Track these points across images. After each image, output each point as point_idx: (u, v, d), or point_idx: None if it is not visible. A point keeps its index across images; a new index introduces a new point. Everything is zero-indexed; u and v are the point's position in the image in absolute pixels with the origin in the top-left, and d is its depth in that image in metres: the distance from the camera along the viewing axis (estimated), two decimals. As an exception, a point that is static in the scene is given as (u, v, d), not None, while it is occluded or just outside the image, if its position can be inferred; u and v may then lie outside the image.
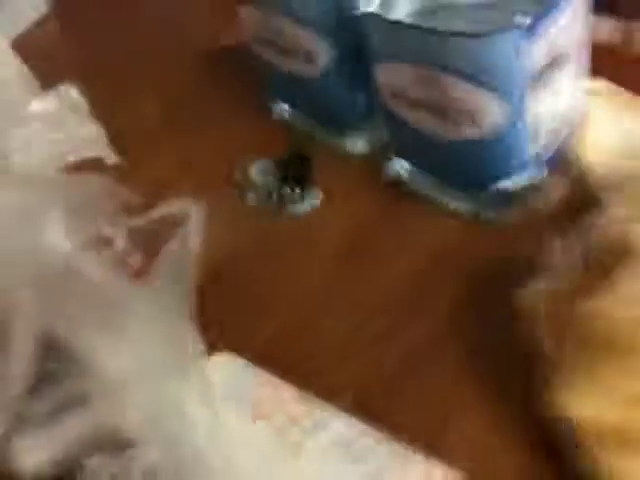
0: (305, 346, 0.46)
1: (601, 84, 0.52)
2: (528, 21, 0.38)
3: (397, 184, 0.53)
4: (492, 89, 0.40)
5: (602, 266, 0.38)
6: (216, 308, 0.43)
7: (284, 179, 0.56)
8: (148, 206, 0.47)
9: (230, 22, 0.60)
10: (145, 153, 0.61)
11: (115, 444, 0.35)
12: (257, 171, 0.58)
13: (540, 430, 0.37)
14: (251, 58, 0.58)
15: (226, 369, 0.43)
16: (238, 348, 0.44)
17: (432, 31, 0.40)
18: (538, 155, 0.46)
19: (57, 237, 0.39)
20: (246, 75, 0.62)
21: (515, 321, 0.40)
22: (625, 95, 0.51)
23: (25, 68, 0.56)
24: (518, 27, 0.38)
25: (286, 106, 0.60)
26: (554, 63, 0.42)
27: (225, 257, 0.51)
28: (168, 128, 0.64)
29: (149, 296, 0.37)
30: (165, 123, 0.64)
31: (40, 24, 0.79)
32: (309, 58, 0.51)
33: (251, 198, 0.56)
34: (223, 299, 0.48)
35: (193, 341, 0.36)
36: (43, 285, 0.37)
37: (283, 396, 0.41)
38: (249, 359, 0.44)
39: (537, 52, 0.40)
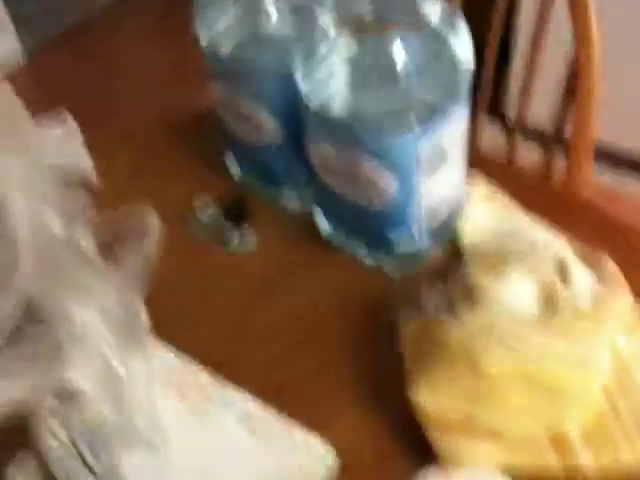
0: (224, 353, 0.57)
1: (481, 183, 0.66)
2: (421, 126, 0.52)
3: (320, 237, 0.66)
4: (393, 172, 0.54)
5: (454, 306, 0.52)
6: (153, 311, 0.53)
7: (228, 222, 0.68)
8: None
9: (201, 90, 0.73)
10: (111, 194, 0.71)
11: (68, 394, 0.45)
12: (206, 214, 0.70)
13: (407, 422, 0.49)
14: (215, 123, 0.71)
15: (159, 355, 0.54)
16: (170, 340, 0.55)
17: (355, 127, 0.53)
18: (425, 226, 0.60)
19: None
20: (209, 137, 0.75)
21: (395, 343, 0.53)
22: (501, 196, 0.66)
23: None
24: (414, 130, 0.52)
25: (238, 165, 0.73)
26: (441, 156, 0.57)
27: (170, 275, 0.62)
28: (135, 174, 0.76)
29: (114, 273, 0.48)
30: (133, 171, 0.76)
31: (14, 76, 0.87)
32: (261, 130, 0.64)
33: (198, 235, 0.68)
34: (158, 305, 0.58)
35: (143, 320, 0.47)
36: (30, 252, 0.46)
37: (201, 380, 0.53)
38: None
39: (428, 147, 0.54)
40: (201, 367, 0.54)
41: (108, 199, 0.68)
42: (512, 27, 1.49)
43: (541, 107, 0.96)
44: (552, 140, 0.90)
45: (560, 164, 0.87)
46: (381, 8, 0.52)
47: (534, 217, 0.64)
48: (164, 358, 0.54)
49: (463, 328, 0.46)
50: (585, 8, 0.77)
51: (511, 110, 1.69)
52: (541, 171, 0.91)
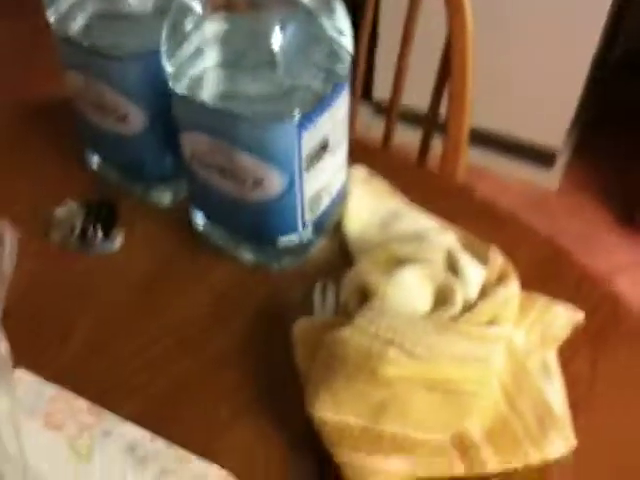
0: (101, 363, 0.52)
1: (360, 169, 0.64)
2: (301, 115, 0.49)
3: (195, 234, 0.61)
4: (273, 164, 0.50)
5: (347, 308, 0.49)
6: (18, 331, 0.48)
7: (88, 221, 0.62)
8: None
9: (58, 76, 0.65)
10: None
11: None
12: (63, 212, 0.63)
13: (303, 431, 0.46)
14: (72, 113, 0.64)
15: (22, 385, 0.48)
16: (36, 367, 0.49)
17: (228, 114, 0.49)
18: (310, 219, 0.57)
19: None
20: (67, 126, 0.67)
21: (290, 349, 0.50)
22: (379, 180, 0.64)
23: None
24: (294, 119, 0.49)
25: (98, 158, 0.66)
26: (323, 147, 0.53)
27: (30, 286, 0.55)
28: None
29: None
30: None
31: None
32: (124, 120, 0.58)
33: (55, 236, 0.61)
34: (25, 324, 0.52)
35: (2, 349, 0.41)
36: None
37: (75, 408, 0.47)
38: (50, 376, 0.49)
39: (309, 139, 0.51)
40: (75, 394, 0.48)
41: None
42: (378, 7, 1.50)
43: (414, 89, 0.96)
44: (428, 122, 0.90)
45: (437, 147, 0.87)
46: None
47: (413, 202, 0.63)
48: (31, 386, 0.48)
49: (358, 334, 0.43)
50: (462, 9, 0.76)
51: (381, 93, 1.70)
52: (418, 154, 0.91)
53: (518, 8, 1.45)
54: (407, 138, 1.14)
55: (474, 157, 1.67)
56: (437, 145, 0.87)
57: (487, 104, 1.58)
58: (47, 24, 0.58)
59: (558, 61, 1.49)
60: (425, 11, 0.86)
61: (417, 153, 0.91)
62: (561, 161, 1.68)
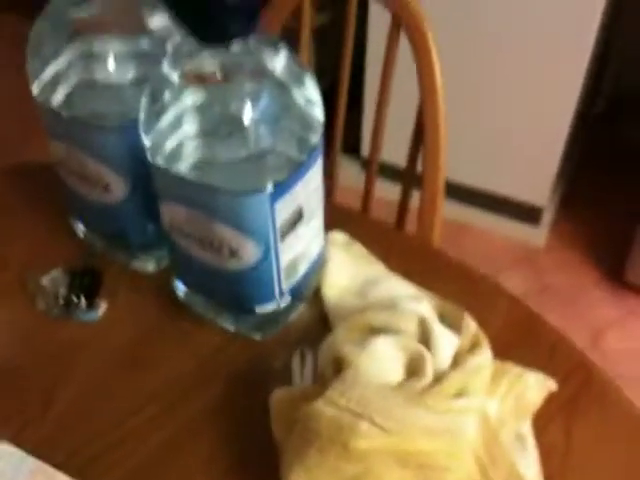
0: (79, 439, 0.52)
1: (339, 235, 0.65)
2: (274, 186, 0.50)
3: (178, 301, 0.62)
4: (248, 234, 0.51)
5: (323, 377, 0.49)
6: (1, 403, 0.48)
7: (73, 289, 0.62)
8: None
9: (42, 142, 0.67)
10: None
11: None
12: (48, 279, 0.63)
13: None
14: (57, 180, 0.65)
15: (3, 458, 0.48)
16: (18, 438, 0.49)
17: (204, 186, 0.50)
18: (288, 287, 0.57)
19: None
20: (52, 191, 0.68)
21: (266, 418, 0.50)
22: (358, 246, 0.65)
23: None
24: (268, 189, 0.50)
25: (82, 225, 0.67)
26: (298, 215, 0.54)
27: (13, 352, 0.56)
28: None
29: None
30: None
31: None
32: (106, 189, 0.59)
33: (40, 303, 0.62)
34: (7, 392, 0.52)
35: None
36: None
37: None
38: (30, 448, 0.49)
39: (283, 208, 0.52)
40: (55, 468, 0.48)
41: None
42: (363, 62, 1.53)
43: (393, 145, 0.98)
44: (405, 178, 0.92)
45: (415, 200, 0.89)
46: (226, 62, 0.50)
47: (391, 267, 0.63)
48: (11, 460, 0.48)
49: (330, 406, 0.44)
50: (429, 58, 0.79)
51: (365, 148, 1.73)
52: (398, 210, 0.92)
53: (498, 63, 1.48)
54: (388, 192, 1.16)
55: (459, 213, 1.70)
56: (416, 198, 0.89)
57: (471, 160, 1.61)
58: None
59: (540, 117, 1.51)
60: (403, 69, 0.89)
61: (397, 208, 0.93)
62: (547, 217, 1.70)
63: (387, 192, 1.18)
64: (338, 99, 0.92)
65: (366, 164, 1.67)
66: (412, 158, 0.88)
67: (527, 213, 1.67)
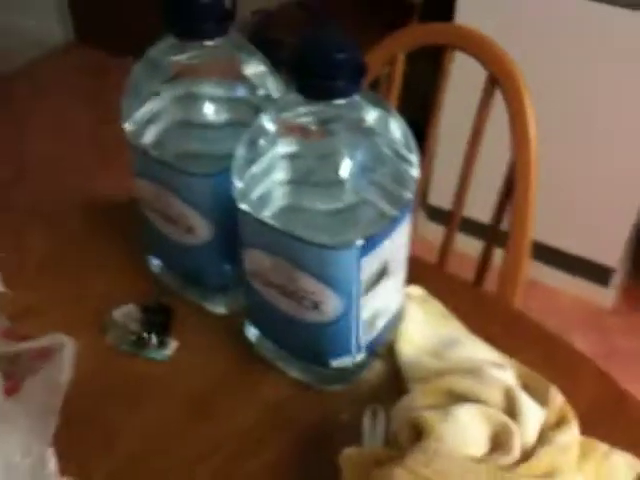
0: (146, 475, 0.51)
1: (417, 290, 0.64)
2: (364, 240, 0.49)
3: (248, 346, 0.61)
4: (333, 287, 0.50)
5: (398, 442, 0.48)
6: (64, 436, 0.47)
7: (144, 325, 0.62)
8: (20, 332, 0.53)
9: (123, 178, 0.68)
10: (24, 282, 0.65)
11: None
12: (121, 314, 0.64)
13: None
14: (137, 216, 0.66)
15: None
16: (81, 473, 0.49)
17: (291, 235, 0.49)
18: (364, 342, 0.56)
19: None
20: (130, 227, 0.69)
21: (334, 473, 0.48)
22: (435, 302, 0.64)
23: None
24: (358, 244, 0.49)
25: (159, 262, 0.67)
26: (383, 271, 0.53)
27: (81, 387, 0.55)
28: (51, 265, 0.70)
29: (17, 412, 0.41)
30: (48, 260, 0.70)
31: None
32: (189, 231, 0.59)
33: (110, 337, 0.62)
34: (72, 428, 0.52)
35: (51, 468, 0.41)
36: None
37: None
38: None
39: (370, 263, 0.51)
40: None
41: (18, 290, 0.63)
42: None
43: (473, 200, 0.96)
44: (489, 238, 0.90)
45: (496, 257, 0.87)
46: (325, 115, 0.49)
47: (469, 326, 0.61)
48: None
49: (412, 474, 0.42)
50: (524, 117, 0.77)
51: (436, 199, 1.72)
52: (477, 269, 0.90)
53: (578, 124, 1.47)
54: (463, 246, 1.14)
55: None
56: (495, 255, 0.87)
57: (545, 217, 1.57)
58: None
59: (617, 179, 1.48)
60: (488, 128, 0.88)
61: (475, 267, 0.90)
62: (617, 279, 1.64)
63: (459, 244, 1.16)
64: (424, 153, 0.91)
65: (436, 214, 1.68)
66: (499, 214, 0.87)
67: (597, 273, 1.62)
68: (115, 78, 0.68)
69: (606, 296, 1.65)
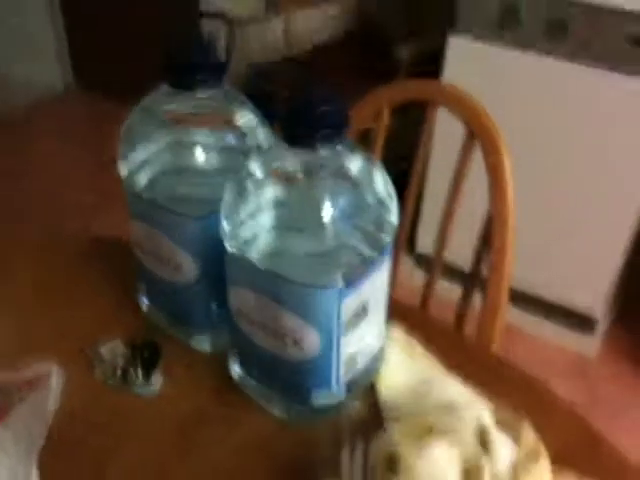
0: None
1: (398, 331, 0.66)
2: (345, 282, 0.51)
3: (231, 382, 0.63)
4: (313, 325, 0.53)
5: (374, 473, 0.49)
6: (51, 468, 0.49)
7: (131, 361, 0.64)
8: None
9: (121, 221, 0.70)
10: (13, 313, 0.67)
11: None
12: (107, 349, 0.65)
13: None
14: (128, 254, 0.68)
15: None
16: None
17: (275, 275, 0.52)
18: (345, 380, 0.58)
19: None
20: (120, 265, 0.72)
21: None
22: (416, 343, 0.66)
23: None
24: (339, 284, 0.51)
25: (148, 300, 0.69)
26: (363, 310, 0.56)
27: (67, 421, 0.57)
28: (37, 300, 0.71)
29: (5, 438, 0.43)
30: (35, 295, 0.72)
31: None
32: (177, 269, 0.62)
33: (98, 372, 0.64)
34: (59, 461, 0.53)
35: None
36: None
37: None
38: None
39: (350, 303, 0.53)
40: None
41: (7, 321, 0.64)
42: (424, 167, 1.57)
43: (455, 247, 0.99)
44: (469, 279, 0.93)
45: (477, 301, 0.89)
46: (309, 162, 0.52)
47: (449, 368, 0.63)
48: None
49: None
50: (501, 169, 0.81)
51: (423, 247, 1.75)
52: (456, 314, 0.92)
53: (561, 175, 1.51)
54: (446, 292, 1.16)
55: (511, 316, 1.68)
56: (477, 300, 0.89)
57: (527, 265, 1.60)
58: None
59: (599, 228, 1.52)
60: (470, 177, 0.91)
61: (455, 311, 0.93)
62: (601, 327, 1.67)
63: (443, 290, 1.19)
64: (406, 202, 0.94)
65: (423, 260, 1.71)
66: (477, 262, 0.89)
67: (581, 322, 1.64)
68: (113, 123, 0.71)
69: (590, 344, 1.66)
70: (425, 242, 1.72)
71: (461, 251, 1.08)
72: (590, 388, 1.59)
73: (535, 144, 1.50)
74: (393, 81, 0.97)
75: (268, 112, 0.64)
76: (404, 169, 0.97)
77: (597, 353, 1.68)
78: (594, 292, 1.59)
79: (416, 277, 1.64)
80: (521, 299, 1.68)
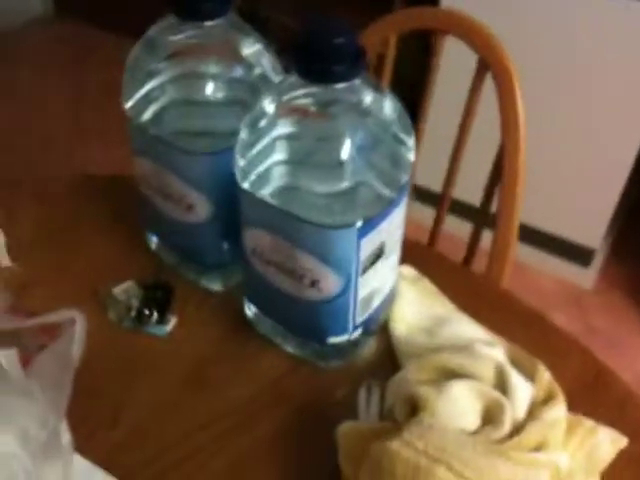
0: (146, 452, 0.53)
1: (409, 270, 0.66)
2: (363, 221, 0.50)
3: (246, 322, 0.62)
4: (331, 266, 0.52)
5: (393, 416, 0.49)
6: (72, 409, 0.49)
7: (145, 302, 0.63)
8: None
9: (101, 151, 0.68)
10: (20, 258, 0.66)
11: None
12: (120, 290, 0.65)
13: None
14: (133, 192, 0.66)
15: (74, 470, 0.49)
16: (86, 446, 0.50)
17: (291, 215, 0.51)
18: (360, 320, 0.58)
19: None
20: (129, 204, 0.70)
21: (328, 448, 0.50)
22: (427, 282, 0.65)
23: None
24: (357, 224, 0.50)
25: (157, 239, 0.68)
26: (380, 251, 0.55)
27: (85, 363, 0.56)
28: (44, 239, 0.70)
29: (37, 388, 0.42)
30: (41, 233, 0.71)
31: None
32: (189, 209, 0.60)
33: (111, 314, 0.63)
34: (77, 403, 0.53)
35: (65, 435, 0.42)
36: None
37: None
38: (97, 458, 0.50)
39: (369, 244, 0.52)
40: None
41: (13, 267, 0.63)
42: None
43: (461, 183, 0.98)
44: (477, 221, 0.92)
45: (484, 239, 0.89)
46: (326, 98, 0.50)
47: (459, 305, 0.63)
48: (81, 471, 0.49)
49: (406, 448, 0.44)
50: (513, 101, 0.79)
51: (422, 179, 1.73)
52: (467, 250, 0.92)
53: (564, 107, 1.49)
54: (451, 227, 1.16)
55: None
56: (484, 237, 0.89)
57: (527, 197, 1.60)
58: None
59: (600, 162, 1.51)
60: (479, 112, 0.89)
61: (463, 248, 0.92)
62: (598, 260, 1.68)
63: (448, 226, 1.18)
64: (416, 136, 0.92)
65: (420, 192, 1.69)
66: (488, 197, 0.88)
67: (578, 254, 1.65)
68: (95, 50, 0.68)
69: (587, 276, 1.68)
70: (425, 175, 1.70)
71: (468, 186, 1.07)
72: (585, 319, 1.62)
73: (536, 75, 1.46)
74: (388, 9, 0.93)
75: (266, 39, 0.61)
76: (407, 102, 0.94)
77: (593, 285, 1.69)
78: (592, 225, 1.59)
79: (414, 210, 1.63)
80: (520, 231, 1.68)
